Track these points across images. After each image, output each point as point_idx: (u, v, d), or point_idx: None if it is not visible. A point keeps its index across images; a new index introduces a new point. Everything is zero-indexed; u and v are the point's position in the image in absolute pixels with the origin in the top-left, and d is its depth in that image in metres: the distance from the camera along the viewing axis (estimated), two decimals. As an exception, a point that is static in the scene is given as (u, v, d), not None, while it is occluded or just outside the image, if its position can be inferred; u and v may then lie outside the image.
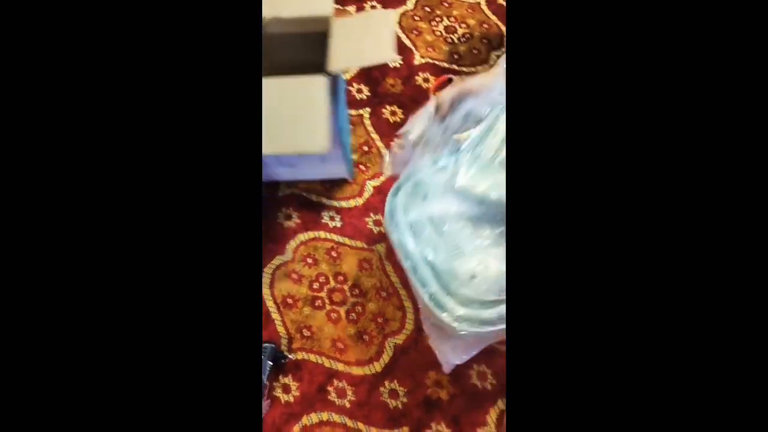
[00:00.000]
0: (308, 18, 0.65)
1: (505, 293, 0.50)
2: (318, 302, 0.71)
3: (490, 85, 0.60)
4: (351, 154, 0.81)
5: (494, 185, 0.55)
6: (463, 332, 0.51)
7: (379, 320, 0.70)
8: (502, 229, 0.53)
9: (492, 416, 0.66)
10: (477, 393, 0.67)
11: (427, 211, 0.56)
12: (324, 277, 0.73)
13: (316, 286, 0.72)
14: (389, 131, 0.85)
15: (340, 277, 0.73)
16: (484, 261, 0.53)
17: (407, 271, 0.54)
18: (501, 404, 0.66)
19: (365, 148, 0.83)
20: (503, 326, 0.50)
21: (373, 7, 0.96)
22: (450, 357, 0.56)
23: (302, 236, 0.75)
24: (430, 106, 0.60)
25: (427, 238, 0.54)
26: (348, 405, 0.65)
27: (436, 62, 0.92)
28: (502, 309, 0.51)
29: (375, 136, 0.85)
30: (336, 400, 0.65)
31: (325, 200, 0.78)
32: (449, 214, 0.55)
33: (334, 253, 0.74)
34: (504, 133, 0.58)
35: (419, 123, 0.60)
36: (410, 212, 0.56)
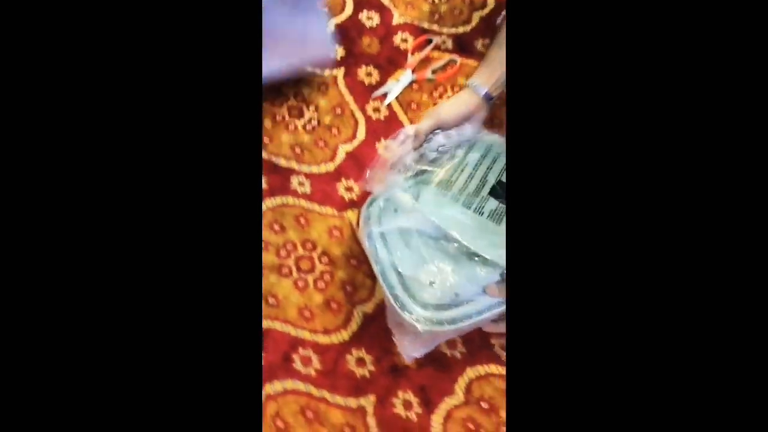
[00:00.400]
0: None
1: (457, 299, 0.60)
2: (285, 270, 0.69)
3: (461, 117, 0.67)
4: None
5: (451, 220, 0.64)
6: (420, 329, 0.59)
7: (348, 288, 0.69)
8: (456, 245, 0.63)
9: (461, 384, 0.65)
10: (446, 361, 0.66)
11: (397, 224, 0.63)
12: (291, 244, 0.71)
13: (283, 253, 0.70)
14: (364, 93, 0.82)
15: (309, 245, 0.71)
16: (441, 272, 0.62)
17: (376, 274, 0.61)
18: (470, 373, 0.65)
19: (338, 111, 0.80)
20: (454, 327, 0.59)
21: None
22: (409, 350, 0.63)
23: (269, 202, 0.73)
24: (409, 129, 0.66)
25: (395, 247, 0.62)
26: (313, 373, 0.64)
27: (416, 22, 0.88)
28: (453, 313, 0.60)
29: (349, 98, 0.81)
30: (301, 368, 0.64)
31: (294, 165, 0.75)
32: (414, 230, 0.64)
33: (302, 220, 0.72)
34: (469, 173, 0.68)
35: (398, 146, 0.67)
36: (382, 223, 0.63)
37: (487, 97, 0.68)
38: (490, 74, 0.70)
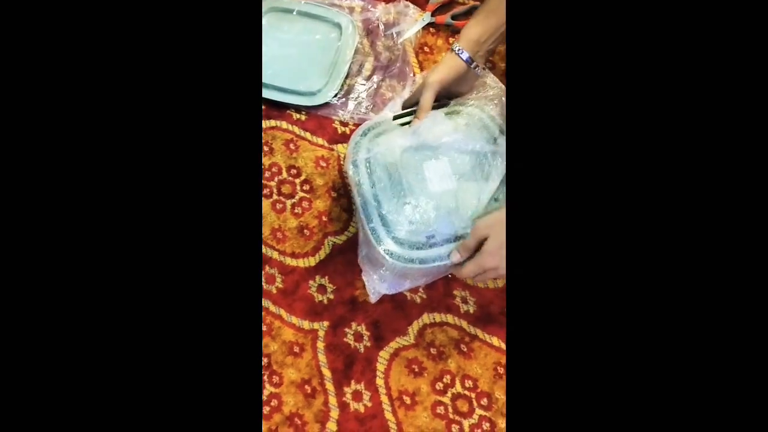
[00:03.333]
0: None
1: (431, 239, 0.60)
2: (266, 191, 0.71)
3: (452, 80, 0.64)
4: None
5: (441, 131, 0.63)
6: (390, 263, 0.59)
7: (324, 218, 0.70)
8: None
9: (414, 327, 0.66)
10: (404, 303, 0.67)
11: (381, 147, 0.62)
12: (277, 167, 0.72)
13: (267, 174, 0.72)
14: (378, 29, 0.80)
15: (294, 171, 0.72)
16: (421, 210, 0.61)
17: (357, 206, 0.62)
18: (426, 318, 0.66)
19: (348, 45, 0.79)
20: (424, 267, 0.59)
21: None
22: (377, 286, 0.63)
23: (264, 123, 0.74)
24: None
25: (378, 179, 0.61)
26: (274, 291, 0.67)
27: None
28: (425, 253, 0.60)
29: (365, 41, 0.80)
30: (264, 284, 0.67)
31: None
32: (398, 149, 0.62)
33: (292, 146, 0.73)
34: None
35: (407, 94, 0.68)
36: (370, 150, 0.63)
37: (469, 62, 0.64)
38: (472, 37, 0.65)
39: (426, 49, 0.80)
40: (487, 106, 0.65)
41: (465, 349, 0.65)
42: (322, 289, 0.67)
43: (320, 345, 0.65)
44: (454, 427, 0.62)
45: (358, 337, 0.65)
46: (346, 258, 0.68)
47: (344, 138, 0.74)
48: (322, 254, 0.68)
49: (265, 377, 0.63)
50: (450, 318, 0.66)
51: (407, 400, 0.63)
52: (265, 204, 0.70)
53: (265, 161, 0.72)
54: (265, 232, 0.69)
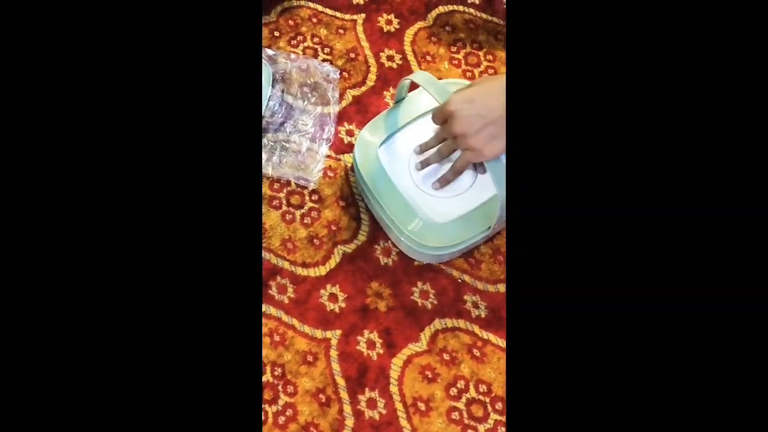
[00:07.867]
0: None
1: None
2: (275, 202, 0.72)
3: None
4: None
5: None
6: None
7: (333, 228, 0.71)
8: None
9: (426, 334, 0.66)
10: (415, 310, 0.67)
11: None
12: (285, 179, 0.73)
13: (276, 186, 0.72)
14: (380, 40, 0.81)
15: (302, 181, 0.73)
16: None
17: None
18: (438, 324, 0.66)
19: (352, 56, 0.80)
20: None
21: None
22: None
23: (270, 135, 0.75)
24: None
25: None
26: (286, 301, 0.67)
27: (446, -28, 0.86)
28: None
29: (365, 44, 0.81)
30: (276, 295, 0.67)
31: (300, 103, 0.77)
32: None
33: (299, 157, 0.74)
34: None
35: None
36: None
37: None
38: None
39: (428, 57, 0.81)
40: None
41: (478, 354, 0.65)
42: (333, 297, 0.67)
43: (333, 354, 0.65)
44: (470, 433, 0.62)
45: (371, 344, 0.65)
46: (356, 266, 0.69)
47: (350, 147, 0.74)
48: (332, 263, 0.69)
49: (279, 387, 0.63)
50: (462, 323, 0.66)
51: (422, 406, 0.63)
52: (275, 215, 0.71)
53: (274, 173, 0.73)
54: (276, 242, 0.70)
